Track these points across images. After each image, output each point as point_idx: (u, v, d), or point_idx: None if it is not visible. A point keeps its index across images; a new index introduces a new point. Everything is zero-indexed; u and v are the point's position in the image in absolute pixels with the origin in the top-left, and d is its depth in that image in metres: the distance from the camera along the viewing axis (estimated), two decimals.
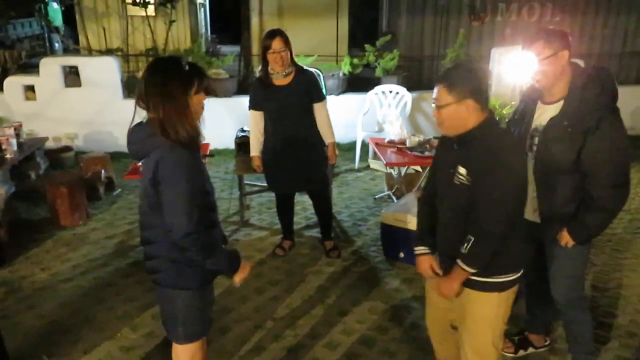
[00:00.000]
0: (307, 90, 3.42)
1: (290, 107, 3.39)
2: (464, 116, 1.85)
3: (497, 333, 2.03)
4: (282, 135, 3.44)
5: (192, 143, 1.78)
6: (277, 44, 3.24)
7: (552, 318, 2.80)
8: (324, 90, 3.95)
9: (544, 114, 2.22)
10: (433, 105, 1.92)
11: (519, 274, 1.98)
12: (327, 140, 3.55)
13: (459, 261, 1.91)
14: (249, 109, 3.54)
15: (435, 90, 1.90)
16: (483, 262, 1.90)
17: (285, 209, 3.85)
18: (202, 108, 1.85)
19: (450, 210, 1.98)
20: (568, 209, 2.21)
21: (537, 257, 2.42)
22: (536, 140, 2.23)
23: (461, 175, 1.88)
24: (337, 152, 3.64)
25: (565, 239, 2.24)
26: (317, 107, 3.47)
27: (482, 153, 1.83)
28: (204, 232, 1.80)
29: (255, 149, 3.59)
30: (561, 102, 2.16)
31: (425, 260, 2.12)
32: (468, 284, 1.96)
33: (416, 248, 2.15)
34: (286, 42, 3.27)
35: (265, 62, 3.34)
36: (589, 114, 2.07)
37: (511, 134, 2.00)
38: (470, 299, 1.99)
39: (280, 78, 3.35)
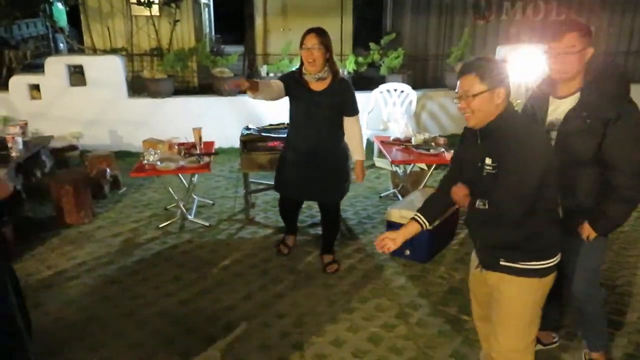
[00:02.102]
0: (341, 102, 3.22)
1: (317, 115, 3.21)
2: (495, 104, 1.86)
3: (534, 318, 2.04)
4: (305, 142, 3.27)
5: None
6: (310, 39, 3.05)
7: (560, 315, 2.78)
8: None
9: (559, 108, 2.22)
10: (456, 100, 1.91)
11: (557, 258, 1.99)
12: (355, 157, 3.38)
13: (472, 201, 1.96)
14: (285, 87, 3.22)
15: (463, 81, 1.88)
16: (477, 224, 2.01)
17: (289, 213, 3.71)
18: None
19: (485, 203, 1.95)
20: (590, 202, 2.21)
21: None
22: (553, 135, 2.23)
23: (488, 165, 1.89)
24: (365, 171, 3.45)
25: (587, 231, 2.23)
26: (349, 121, 3.30)
27: (506, 140, 1.84)
28: None
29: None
30: (577, 95, 2.17)
31: (411, 227, 2.19)
32: (508, 270, 1.97)
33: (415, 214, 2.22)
34: (322, 40, 3.05)
35: (301, 62, 3.17)
36: (608, 104, 2.08)
37: (533, 121, 1.99)
38: (511, 285, 1.99)
39: (314, 82, 3.15)
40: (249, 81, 2.94)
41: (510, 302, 2.02)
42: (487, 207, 1.89)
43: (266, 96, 3.08)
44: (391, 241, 2.16)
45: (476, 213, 1.98)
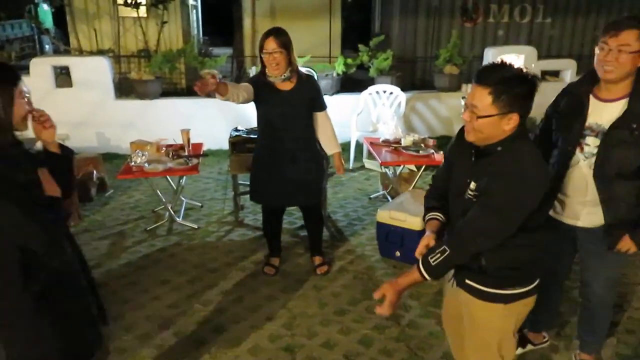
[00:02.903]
0: (310, 99, 3.20)
1: (292, 115, 3.15)
2: (502, 129, 1.64)
3: (505, 344, 1.92)
4: (280, 144, 3.18)
5: None
6: (269, 43, 2.96)
7: (556, 318, 2.79)
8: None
9: (602, 112, 2.09)
10: (464, 103, 1.68)
11: (530, 287, 1.85)
12: (332, 150, 3.36)
13: (422, 268, 1.74)
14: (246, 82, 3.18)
15: (475, 91, 1.63)
16: (444, 274, 1.81)
17: (274, 224, 3.56)
18: None
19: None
20: (633, 216, 2.13)
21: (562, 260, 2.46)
22: (589, 140, 2.12)
23: (470, 190, 1.74)
24: (343, 162, 3.47)
25: (627, 245, 2.15)
26: (320, 116, 3.28)
27: (498, 172, 1.65)
28: None
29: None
30: (623, 101, 2.04)
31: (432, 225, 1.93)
32: (473, 292, 1.86)
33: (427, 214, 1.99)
34: (282, 43, 2.98)
35: (263, 64, 3.10)
36: None
37: (537, 150, 1.72)
38: (476, 307, 1.88)
39: (280, 82, 3.09)
40: (217, 83, 2.77)
41: (477, 327, 1.92)
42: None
43: (235, 98, 2.93)
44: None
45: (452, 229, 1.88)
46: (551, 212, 2.34)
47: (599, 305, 2.43)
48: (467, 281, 1.88)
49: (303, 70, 3.29)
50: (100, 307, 2.04)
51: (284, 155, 3.20)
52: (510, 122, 1.62)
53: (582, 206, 2.22)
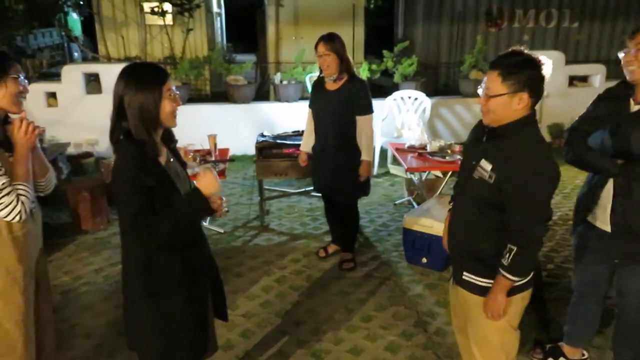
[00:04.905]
0: (351, 100, 3.31)
1: (328, 113, 3.38)
2: (514, 109, 1.73)
3: (508, 339, 1.97)
4: (319, 139, 3.51)
5: None
6: (320, 47, 3.26)
7: (593, 332, 2.70)
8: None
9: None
10: (480, 90, 1.80)
11: (526, 279, 1.89)
12: (361, 157, 3.40)
13: (502, 272, 1.79)
14: (309, 106, 3.63)
15: (488, 76, 1.77)
16: (528, 268, 1.85)
17: (328, 213, 3.87)
18: None
19: (465, 207, 1.92)
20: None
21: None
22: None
23: (483, 169, 1.78)
24: (370, 171, 3.47)
25: None
26: (359, 119, 3.35)
27: (515, 153, 1.72)
28: None
29: (303, 145, 3.69)
30: None
31: None
32: (472, 288, 1.92)
33: None
34: (331, 47, 3.23)
35: None
36: None
37: (543, 137, 1.83)
38: (476, 304, 1.93)
39: (331, 83, 3.37)
40: (302, 161, 3.67)
41: (478, 324, 1.97)
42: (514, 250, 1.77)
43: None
44: None
45: (458, 220, 1.96)
46: (589, 217, 2.33)
47: (635, 317, 2.34)
48: (464, 276, 1.93)
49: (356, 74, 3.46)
50: (221, 305, 2.16)
51: (320, 150, 3.51)
52: (521, 102, 1.72)
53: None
